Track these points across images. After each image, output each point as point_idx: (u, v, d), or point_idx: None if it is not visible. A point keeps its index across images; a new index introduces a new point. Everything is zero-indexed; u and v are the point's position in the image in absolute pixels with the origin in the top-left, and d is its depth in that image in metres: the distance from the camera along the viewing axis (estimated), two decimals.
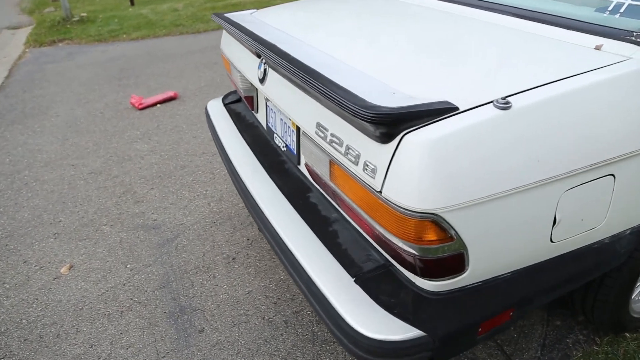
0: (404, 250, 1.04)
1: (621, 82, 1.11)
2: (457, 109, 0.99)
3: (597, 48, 1.24)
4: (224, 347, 1.79)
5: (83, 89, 4.61)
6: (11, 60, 5.72)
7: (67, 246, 2.43)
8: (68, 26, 7.20)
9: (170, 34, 6.54)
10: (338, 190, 1.23)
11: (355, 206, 1.16)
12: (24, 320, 2.00)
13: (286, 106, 1.41)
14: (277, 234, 1.40)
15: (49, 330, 1.94)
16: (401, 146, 0.96)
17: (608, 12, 1.34)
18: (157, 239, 2.43)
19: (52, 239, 2.49)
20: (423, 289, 1.10)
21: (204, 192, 2.80)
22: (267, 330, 1.85)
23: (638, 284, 1.60)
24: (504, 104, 0.99)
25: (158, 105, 4.08)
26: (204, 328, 1.88)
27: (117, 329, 1.91)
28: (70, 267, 2.28)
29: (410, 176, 0.95)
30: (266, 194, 1.57)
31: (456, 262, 1.04)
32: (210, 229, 2.47)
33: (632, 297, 1.61)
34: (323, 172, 1.27)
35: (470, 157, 0.96)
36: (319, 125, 1.22)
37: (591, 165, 1.09)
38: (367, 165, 1.04)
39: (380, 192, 1.01)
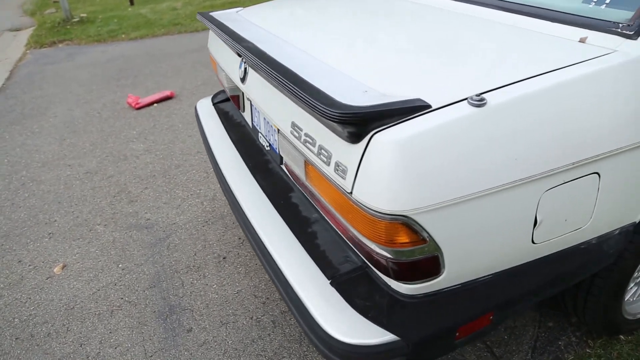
0: (377, 253, 1.02)
1: (606, 75, 1.07)
2: (429, 106, 0.97)
3: (582, 41, 1.21)
4: (211, 346, 1.79)
5: (81, 89, 4.63)
6: (12, 62, 5.75)
7: (61, 246, 2.44)
8: (68, 27, 7.22)
9: (169, 33, 6.54)
10: (314, 191, 1.21)
11: (330, 207, 1.15)
12: (17, 319, 2.01)
13: (265, 106, 1.39)
14: (257, 234, 1.38)
15: (40, 329, 1.94)
16: (370, 146, 0.94)
17: (594, 3, 1.30)
18: (150, 238, 2.42)
19: (46, 239, 2.50)
20: (398, 292, 1.08)
21: (198, 191, 2.79)
22: (254, 330, 1.84)
23: (631, 286, 1.57)
24: (479, 101, 0.97)
25: (155, 104, 4.08)
26: (192, 327, 1.88)
27: (107, 328, 1.91)
28: (64, 266, 2.29)
29: (379, 177, 0.93)
30: (248, 194, 1.56)
31: (431, 265, 1.02)
32: (202, 228, 2.46)
33: (626, 299, 1.58)
34: (300, 172, 1.26)
35: (442, 157, 0.94)
36: (294, 124, 1.20)
37: (573, 163, 1.06)
38: (338, 165, 1.02)
39: (351, 193, 0.99)
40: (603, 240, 1.25)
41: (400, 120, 0.95)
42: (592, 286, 1.45)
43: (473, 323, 1.12)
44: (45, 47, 6.34)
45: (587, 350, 1.64)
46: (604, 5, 1.28)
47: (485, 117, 0.97)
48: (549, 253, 1.18)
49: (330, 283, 1.16)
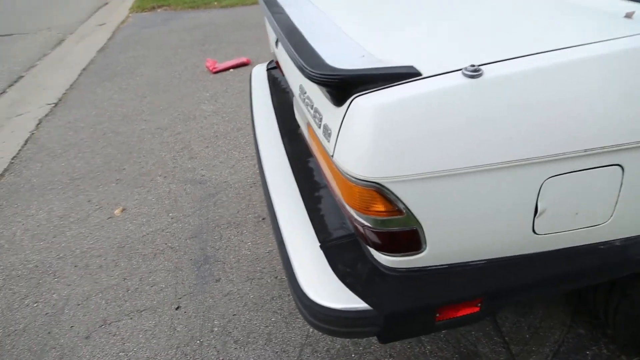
0: (356, 220, 1.02)
1: None
2: (418, 74, 0.93)
3: (628, 16, 1.07)
4: (233, 297, 1.90)
5: (169, 52, 4.95)
6: (116, 24, 6.27)
7: (124, 191, 2.69)
8: None
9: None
10: (315, 153, 1.22)
11: (324, 170, 1.15)
12: (78, 250, 2.27)
13: (286, 69, 1.41)
14: (269, 193, 1.43)
15: (94, 261, 2.18)
16: (350, 109, 0.93)
17: None
18: (201, 193, 2.59)
19: (114, 184, 2.77)
20: (380, 263, 1.07)
21: (253, 154, 2.90)
22: (276, 289, 1.92)
23: None
24: (473, 72, 0.91)
25: (231, 70, 4.26)
26: (220, 278, 2.00)
27: (148, 268, 2.10)
28: (123, 209, 2.53)
29: (356, 141, 0.92)
30: (272, 156, 1.60)
31: (409, 239, 0.99)
32: (250, 188, 2.57)
33: None
34: (306, 134, 1.27)
35: (426, 127, 0.90)
36: (301, 87, 1.22)
37: (586, 150, 0.96)
38: (326, 128, 1.03)
39: (332, 156, 0.99)
40: (630, 244, 1.13)
41: (385, 86, 0.92)
42: (625, 297, 1.31)
43: (458, 306, 1.08)
44: (145, 11, 6.82)
45: None
46: None
47: (479, 90, 0.90)
48: (556, 248, 1.09)
49: (320, 246, 1.18)
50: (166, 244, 2.24)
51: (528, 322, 1.67)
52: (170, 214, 2.45)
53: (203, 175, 2.74)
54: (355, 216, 1.01)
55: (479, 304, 1.10)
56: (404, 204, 0.94)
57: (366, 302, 1.04)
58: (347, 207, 1.03)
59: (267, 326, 1.76)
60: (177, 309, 1.88)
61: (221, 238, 2.23)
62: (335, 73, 0.91)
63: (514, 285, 1.11)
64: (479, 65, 0.92)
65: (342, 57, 1.02)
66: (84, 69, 4.73)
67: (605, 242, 1.12)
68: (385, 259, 1.05)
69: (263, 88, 2.15)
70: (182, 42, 5.22)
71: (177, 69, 4.43)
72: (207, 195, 2.56)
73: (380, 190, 0.93)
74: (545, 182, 0.98)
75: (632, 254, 1.15)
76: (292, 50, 1.05)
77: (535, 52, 0.95)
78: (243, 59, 4.34)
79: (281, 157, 1.59)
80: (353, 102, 0.93)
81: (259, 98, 2.07)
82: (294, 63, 1.02)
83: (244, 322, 1.79)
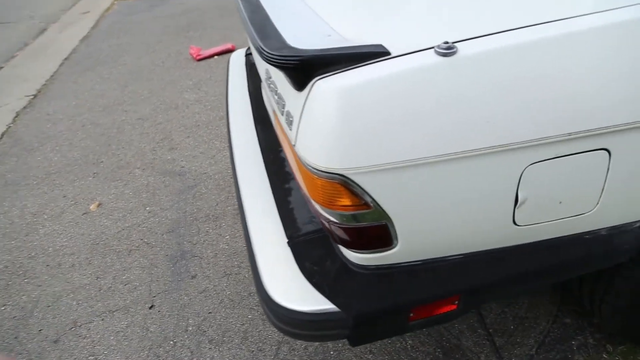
0: (321, 215, 0.93)
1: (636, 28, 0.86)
2: (387, 53, 0.84)
3: None
4: (209, 295, 1.82)
5: (153, 39, 4.81)
6: (100, 12, 6.11)
7: (101, 185, 2.59)
8: None
9: None
10: (282, 143, 1.13)
11: (290, 161, 1.07)
12: (50, 248, 2.18)
13: (254, 52, 1.32)
14: (238, 184, 1.34)
15: (67, 260, 2.10)
16: (311, 94, 0.84)
17: None
18: (180, 185, 2.50)
19: (91, 178, 2.67)
20: (349, 260, 0.99)
21: None
22: (253, 284, 1.84)
23: None
24: (446, 50, 0.82)
25: (215, 56, 4.13)
26: (196, 274, 1.92)
27: (122, 266, 2.02)
28: (99, 204, 2.43)
29: (317, 129, 0.84)
30: (244, 143, 1.51)
31: (379, 234, 0.91)
32: (230, 179, 2.48)
33: None
34: (274, 122, 1.18)
35: (394, 111, 0.81)
36: (267, 71, 1.12)
37: (570, 134, 0.88)
38: (289, 115, 0.94)
39: (295, 145, 0.91)
40: (615, 233, 1.05)
41: (350, 67, 0.83)
42: (610, 285, 1.24)
43: (433, 305, 1.00)
44: None
45: (604, 356, 1.44)
46: None
47: (452, 69, 0.82)
48: (539, 239, 1.01)
49: (287, 242, 1.10)
50: (142, 239, 2.16)
51: (513, 313, 1.61)
52: (148, 208, 2.36)
53: (183, 167, 2.64)
54: (321, 211, 0.92)
55: (457, 302, 1.02)
56: (371, 197, 0.86)
57: (334, 303, 0.96)
58: (312, 202, 0.94)
59: (243, 324, 1.68)
60: (150, 308, 1.80)
61: (199, 232, 2.14)
62: (293, 54, 0.82)
63: (494, 280, 1.04)
64: (453, 42, 0.83)
65: (306, 36, 0.93)
66: (65, 59, 4.60)
67: (590, 231, 1.05)
68: (354, 256, 0.97)
69: (240, 74, 2.05)
70: (167, 29, 5.07)
71: (160, 57, 4.30)
72: (186, 187, 2.47)
73: (345, 183, 0.85)
74: (526, 170, 0.90)
75: (619, 243, 1.07)
76: (252, 29, 0.96)
77: (516, 27, 0.86)
78: (228, 45, 4.21)
79: (253, 147, 1.50)
80: (314, 85, 0.84)
81: (235, 85, 1.97)
82: (252, 44, 0.93)
83: (220, 320, 1.71)
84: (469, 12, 0.96)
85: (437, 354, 1.51)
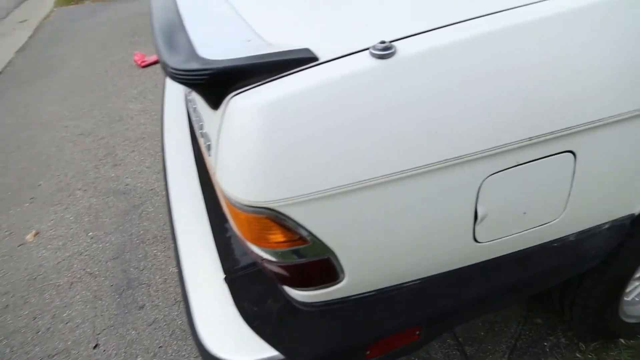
0: (253, 252, 0.80)
1: (594, 15, 0.76)
2: (315, 59, 0.71)
3: None
4: (159, 326, 1.66)
5: (95, 46, 4.54)
6: (39, 20, 5.75)
7: (39, 212, 2.38)
8: None
9: None
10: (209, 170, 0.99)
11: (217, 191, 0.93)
12: None
13: None
14: (171, 209, 1.20)
15: (0, 300, 1.90)
16: (227, 113, 0.71)
17: None
18: (125, 205, 2.31)
19: (27, 204, 2.45)
20: (293, 298, 0.87)
21: None
22: None
23: (635, 285, 1.27)
24: (383, 51, 0.70)
25: None
26: (145, 304, 1.76)
27: (63, 301, 1.83)
28: (36, 233, 2.23)
29: (234, 156, 0.70)
30: (179, 166, 1.36)
31: (322, 269, 0.79)
32: None
33: (628, 299, 1.28)
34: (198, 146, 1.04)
35: (324, 129, 0.69)
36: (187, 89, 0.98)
37: (531, 139, 0.78)
38: (207, 138, 0.80)
39: (215, 174, 0.77)
40: (585, 237, 0.97)
41: (271, 79, 0.70)
42: (580, 288, 1.16)
43: (392, 338, 0.89)
44: (72, 4, 6.28)
45: (577, 355, 1.37)
46: None
47: (391, 73, 0.70)
48: (504, 254, 0.91)
49: (224, 278, 0.96)
50: (84, 269, 1.97)
51: (483, 317, 1.52)
52: (90, 234, 2.17)
53: (127, 184, 2.46)
54: (252, 247, 0.79)
55: (418, 332, 0.91)
56: (307, 230, 0.73)
57: (277, 349, 0.83)
58: (240, 237, 0.81)
59: (197, 356, 1.54)
60: (95, 347, 1.63)
61: (146, 256, 1.98)
62: (201, 67, 0.68)
63: (457, 303, 0.93)
64: (391, 42, 0.71)
65: (222, 43, 0.79)
66: (0, 73, 4.28)
67: (558, 239, 0.96)
68: (298, 294, 0.85)
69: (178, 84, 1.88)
70: (111, 35, 4.80)
71: (103, 65, 4.05)
72: (131, 207, 2.29)
73: (275, 217, 0.72)
74: (485, 182, 0.79)
75: (588, 248, 0.99)
76: (156, 37, 0.81)
77: (461, 19, 0.74)
78: None
79: (189, 167, 1.35)
80: (230, 102, 0.71)
81: (172, 96, 1.80)
82: (157, 55, 0.78)
83: (171, 355, 1.56)
84: (406, 6, 0.85)
85: None
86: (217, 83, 0.70)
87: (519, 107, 0.75)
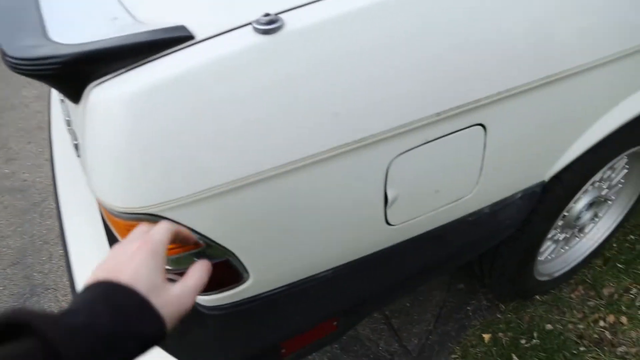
0: None
1: None
2: (190, 37, 0.61)
3: None
4: None
5: None
6: None
7: None
8: None
9: None
10: None
11: None
12: None
13: None
14: (60, 215, 1.06)
15: None
16: (88, 107, 0.60)
17: None
18: (23, 203, 2.08)
19: None
20: (197, 302, 0.79)
21: None
22: None
23: (546, 245, 1.32)
24: (268, 24, 0.61)
25: None
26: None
27: None
28: None
29: (101, 156, 0.60)
30: (69, 164, 1.21)
31: (223, 272, 0.72)
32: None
33: (541, 259, 1.33)
34: None
35: (203, 119, 0.59)
36: None
37: (438, 114, 0.73)
38: (74, 136, 0.69)
39: (87, 179, 0.66)
40: (499, 208, 0.97)
41: (138, 63, 0.60)
42: (497, 255, 1.19)
43: (308, 333, 0.85)
44: None
45: (498, 316, 1.42)
46: None
47: (278, 49, 0.61)
48: (419, 233, 0.89)
49: None
50: None
51: None
52: None
53: (25, 181, 2.21)
54: None
55: (336, 323, 0.87)
56: (199, 233, 0.65)
57: None
58: None
59: None
60: None
61: (51, 258, 1.80)
62: (48, 55, 0.56)
63: (375, 288, 0.90)
64: (277, 14, 0.63)
65: (81, 24, 0.67)
66: None
67: (473, 212, 0.95)
68: (203, 299, 0.77)
69: None
70: None
71: None
72: (31, 205, 2.06)
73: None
74: (392, 163, 0.74)
75: (503, 218, 1.00)
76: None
77: None
78: None
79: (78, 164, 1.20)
80: (90, 94, 0.60)
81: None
82: None
83: None
84: None
85: (334, 350, 1.40)
86: (71, 73, 0.58)
87: (423, 81, 0.70)
